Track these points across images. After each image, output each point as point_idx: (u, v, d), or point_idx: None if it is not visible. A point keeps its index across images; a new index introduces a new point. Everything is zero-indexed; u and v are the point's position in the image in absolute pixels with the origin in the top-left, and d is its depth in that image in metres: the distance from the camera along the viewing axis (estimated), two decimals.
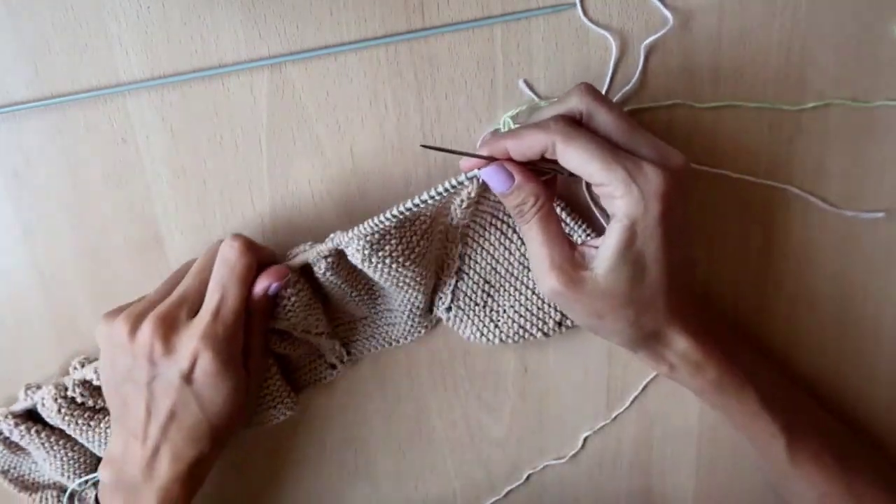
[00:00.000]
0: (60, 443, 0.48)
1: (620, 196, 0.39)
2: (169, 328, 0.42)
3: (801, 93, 0.48)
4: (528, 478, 0.58)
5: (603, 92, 0.47)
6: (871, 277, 0.53)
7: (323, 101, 0.46)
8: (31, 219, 0.47)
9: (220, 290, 0.43)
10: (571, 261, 0.41)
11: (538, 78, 0.47)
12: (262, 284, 0.44)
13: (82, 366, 0.47)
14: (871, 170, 0.51)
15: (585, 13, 0.46)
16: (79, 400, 0.47)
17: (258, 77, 0.45)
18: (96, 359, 0.47)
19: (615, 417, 0.57)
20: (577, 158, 0.39)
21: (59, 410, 0.46)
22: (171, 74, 0.44)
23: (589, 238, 0.47)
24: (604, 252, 0.40)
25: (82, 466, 0.50)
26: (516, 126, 0.46)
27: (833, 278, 0.53)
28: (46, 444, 0.48)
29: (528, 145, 0.40)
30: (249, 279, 0.44)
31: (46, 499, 0.51)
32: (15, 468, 0.51)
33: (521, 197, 0.41)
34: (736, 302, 0.54)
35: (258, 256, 0.44)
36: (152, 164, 0.47)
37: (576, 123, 0.40)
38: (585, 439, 0.57)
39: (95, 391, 0.47)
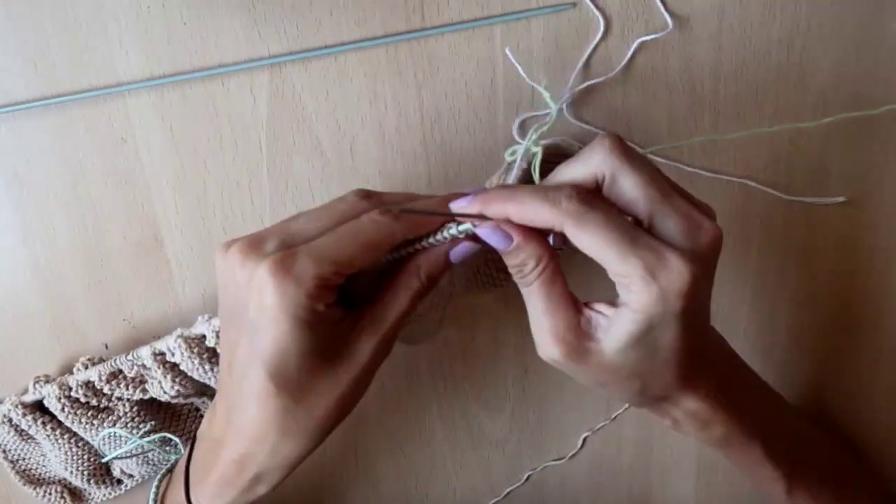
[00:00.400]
0: (65, 437, 0.49)
1: (637, 291, 0.35)
2: (253, 251, 0.36)
3: (801, 93, 0.48)
4: (527, 478, 0.58)
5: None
6: (872, 277, 0.53)
7: (323, 101, 0.46)
8: (31, 219, 0.47)
9: (337, 235, 0.36)
10: (576, 330, 0.37)
11: (538, 78, 0.47)
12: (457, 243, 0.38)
13: (86, 367, 0.47)
14: (870, 169, 0.51)
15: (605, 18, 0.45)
16: (82, 400, 0.47)
17: (258, 77, 0.45)
18: (101, 360, 0.47)
19: (615, 417, 0.57)
20: (589, 245, 0.35)
21: (63, 409, 0.47)
22: (171, 74, 0.44)
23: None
24: (613, 334, 0.36)
25: (86, 463, 0.50)
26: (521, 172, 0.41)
27: (832, 278, 0.53)
28: (52, 437, 0.48)
29: (532, 217, 0.35)
30: (376, 249, 0.37)
31: (50, 493, 0.52)
32: (24, 459, 0.52)
33: (521, 258, 0.37)
34: (736, 306, 0.54)
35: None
36: (152, 164, 0.47)
37: (592, 195, 0.35)
38: (585, 439, 0.57)
39: (99, 392, 0.47)
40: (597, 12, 0.45)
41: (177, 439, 0.49)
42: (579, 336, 0.37)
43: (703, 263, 0.35)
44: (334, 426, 0.40)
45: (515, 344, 0.54)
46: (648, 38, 0.46)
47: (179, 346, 0.45)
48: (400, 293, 0.39)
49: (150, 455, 0.51)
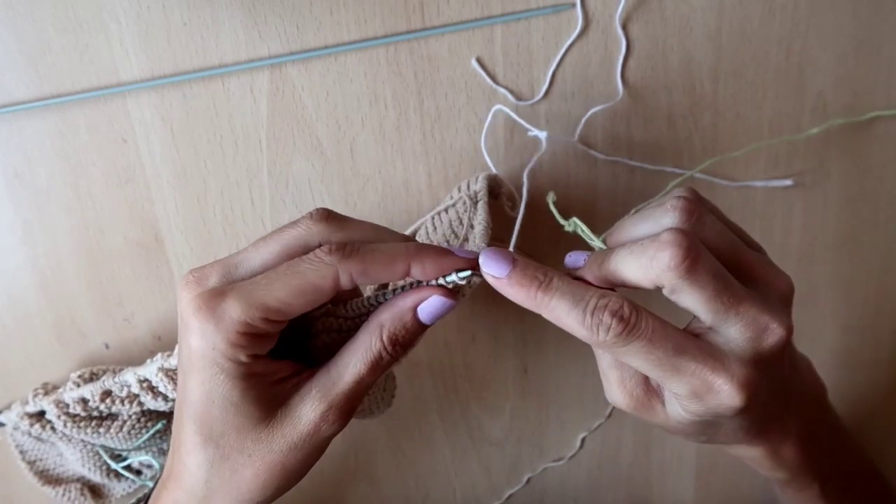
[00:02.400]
0: (77, 437, 0.49)
1: (687, 405, 0.34)
2: (193, 285, 0.33)
3: (801, 92, 0.49)
4: (528, 481, 0.58)
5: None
6: (871, 278, 0.54)
7: (323, 101, 0.46)
8: (31, 219, 0.47)
9: (271, 276, 0.32)
10: (644, 385, 0.37)
11: (538, 78, 0.47)
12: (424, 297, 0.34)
13: (77, 385, 0.47)
14: (870, 169, 0.51)
15: (585, 13, 0.46)
16: (82, 414, 0.47)
17: (258, 77, 0.45)
18: (92, 376, 0.47)
19: (610, 414, 0.57)
20: (631, 363, 0.34)
21: (66, 424, 0.47)
22: (171, 74, 0.44)
23: None
24: (675, 410, 0.35)
25: (103, 459, 0.50)
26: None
27: (832, 278, 0.53)
28: (64, 439, 0.49)
29: (567, 328, 0.33)
30: (314, 293, 0.32)
31: (70, 491, 0.52)
32: (42, 460, 0.52)
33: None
34: None
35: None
36: (152, 164, 0.47)
37: (636, 316, 0.32)
38: (584, 440, 0.57)
39: (96, 407, 0.47)
40: (596, 12, 0.45)
41: None
42: (647, 392, 0.37)
43: (766, 363, 0.33)
44: (270, 495, 0.36)
45: (515, 344, 0.54)
46: (600, 107, 0.46)
47: (161, 379, 0.44)
48: (356, 356, 0.34)
49: (164, 446, 0.51)
